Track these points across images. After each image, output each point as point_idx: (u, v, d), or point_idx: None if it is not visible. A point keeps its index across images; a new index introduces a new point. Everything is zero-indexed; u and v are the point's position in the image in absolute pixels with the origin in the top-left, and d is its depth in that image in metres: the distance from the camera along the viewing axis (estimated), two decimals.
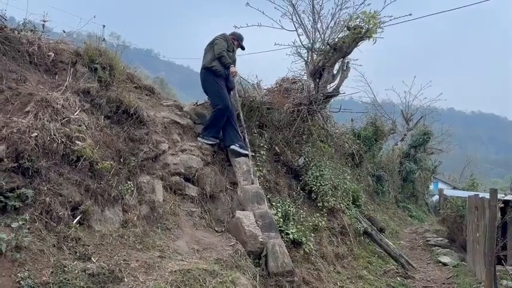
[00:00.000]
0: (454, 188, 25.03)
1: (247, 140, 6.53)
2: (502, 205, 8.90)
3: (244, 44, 7.10)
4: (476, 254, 8.24)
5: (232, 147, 6.25)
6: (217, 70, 6.37)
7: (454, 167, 34.98)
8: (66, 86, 4.49)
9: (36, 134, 3.71)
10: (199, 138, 6.17)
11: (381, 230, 10.41)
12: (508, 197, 8.06)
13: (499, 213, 8.69)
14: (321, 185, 7.63)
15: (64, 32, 5.36)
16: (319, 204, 7.60)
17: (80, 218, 3.75)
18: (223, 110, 6.30)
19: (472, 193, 10.49)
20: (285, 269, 4.97)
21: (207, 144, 6.14)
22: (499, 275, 7.42)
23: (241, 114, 6.76)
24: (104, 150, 4.37)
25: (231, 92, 6.79)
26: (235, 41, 6.91)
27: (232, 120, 6.47)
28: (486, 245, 7.16)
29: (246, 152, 6.29)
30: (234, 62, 6.78)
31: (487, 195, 7.85)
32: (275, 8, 8.54)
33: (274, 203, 6.39)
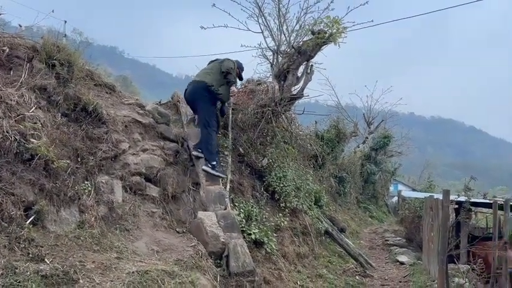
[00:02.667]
0: (413, 189, 25.83)
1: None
2: (456, 206, 9.32)
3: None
4: (430, 253, 8.56)
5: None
6: (221, 99, 6.57)
7: (413, 169, 36.13)
8: (21, 82, 4.34)
9: None
10: (207, 169, 6.03)
11: (342, 230, 10.65)
12: (461, 198, 8.44)
13: (454, 214, 9.09)
14: (284, 185, 7.71)
15: (20, 26, 5.17)
16: (281, 205, 7.68)
17: (34, 219, 3.64)
18: (217, 130, 6.49)
19: (428, 194, 10.91)
20: (246, 269, 4.99)
21: (220, 177, 6.19)
22: (452, 273, 7.73)
23: (230, 135, 7.09)
24: (60, 148, 4.25)
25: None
26: (237, 69, 6.91)
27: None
28: (439, 244, 7.46)
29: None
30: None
31: (441, 197, 8.17)
32: (241, 9, 8.54)
33: (237, 204, 6.40)
